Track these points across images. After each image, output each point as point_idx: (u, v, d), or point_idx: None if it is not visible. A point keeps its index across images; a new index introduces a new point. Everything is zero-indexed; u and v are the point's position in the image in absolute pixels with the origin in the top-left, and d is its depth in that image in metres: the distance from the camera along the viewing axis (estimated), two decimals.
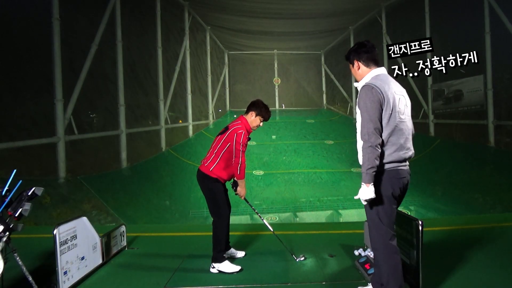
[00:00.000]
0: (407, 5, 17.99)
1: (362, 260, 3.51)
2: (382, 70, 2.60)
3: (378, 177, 2.49)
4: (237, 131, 3.50)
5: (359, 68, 2.62)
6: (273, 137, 20.06)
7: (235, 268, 3.49)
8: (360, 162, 2.52)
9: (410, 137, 2.58)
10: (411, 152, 2.56)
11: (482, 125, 14.18)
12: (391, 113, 2.43)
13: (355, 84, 2.67)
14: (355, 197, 2.54)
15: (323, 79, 27.93)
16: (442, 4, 15.72)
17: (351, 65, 2.68)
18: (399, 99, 2.49)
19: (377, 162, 2.40)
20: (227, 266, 3.48)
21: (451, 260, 3.58)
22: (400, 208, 2.71)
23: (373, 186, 2.42)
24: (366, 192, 2.42)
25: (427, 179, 13.09)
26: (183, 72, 18.02)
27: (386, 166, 2.48)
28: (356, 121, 2.62)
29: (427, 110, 17.20)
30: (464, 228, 5.02)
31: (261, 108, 3.67)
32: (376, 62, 2.61)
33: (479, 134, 14.38)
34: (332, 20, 19.86)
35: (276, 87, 27.69)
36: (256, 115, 3.66)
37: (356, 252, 3.80)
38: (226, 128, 3.61)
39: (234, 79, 26.88)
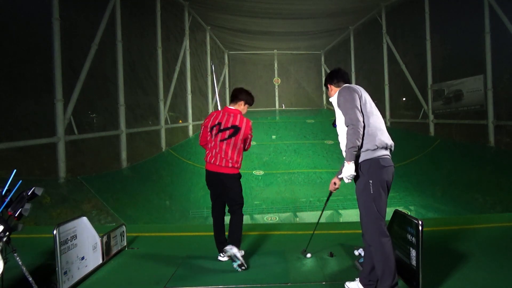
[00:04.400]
0: (407, 5, 17.98)
1: (362, 260, 3.51)
2: (349, 84, 3.02)
3: (370, 167, 2.71)
4: (248, 124, 3.73)
5: (332, 89, 3.09)
6: (273, 137, 20.06)
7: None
8: (346, 161, 2.76)
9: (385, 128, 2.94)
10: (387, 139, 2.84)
11: (482, 125, 14.17)
12: (370, 106, 2.82)
13: (330, 99, 3.10)
14: (339, 176, 2.98)
15: (323, 79, 27.87)
16: (442, 4, 15.72)
17: (326, 88, 3.18)
18: (366, 96, 2.88)
19: (359, 143, 2.69)
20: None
21: (451, 260, 3.58)
22: (400, 208, 2.76)
23: (353, 164, 2.69)
24: (348, 169, 2.70)
25: (427, 179, 13.10)
26: (183, 72, 18.03)
27: (375, 155, 2.71)
28: (336, 127, 2.99)
29: (427, 110, 17.19)
30: (464, 228, 5.02)
31: (248, 97, 3.84)
32: (345, 81, 3.05)
33: (479, 134, 14.37)
34: (332, 20, 19.86)
35: (276, 87, 27.70)
36: (245, 104, 3.83)
37: (356, 252, 3.80)
38: (235, 127, 3.71)
39: (234, 79, 26.89)
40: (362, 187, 2.72)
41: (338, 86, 3.02)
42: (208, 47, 21.69)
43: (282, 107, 27.50)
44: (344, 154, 2.78)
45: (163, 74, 15.59)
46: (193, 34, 19.45)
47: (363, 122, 2.72)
